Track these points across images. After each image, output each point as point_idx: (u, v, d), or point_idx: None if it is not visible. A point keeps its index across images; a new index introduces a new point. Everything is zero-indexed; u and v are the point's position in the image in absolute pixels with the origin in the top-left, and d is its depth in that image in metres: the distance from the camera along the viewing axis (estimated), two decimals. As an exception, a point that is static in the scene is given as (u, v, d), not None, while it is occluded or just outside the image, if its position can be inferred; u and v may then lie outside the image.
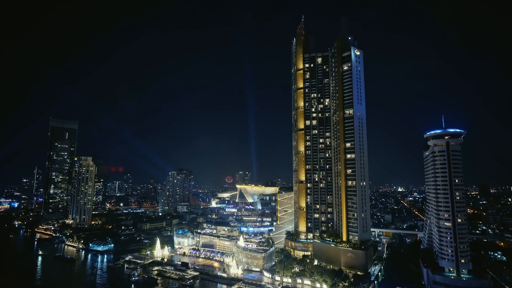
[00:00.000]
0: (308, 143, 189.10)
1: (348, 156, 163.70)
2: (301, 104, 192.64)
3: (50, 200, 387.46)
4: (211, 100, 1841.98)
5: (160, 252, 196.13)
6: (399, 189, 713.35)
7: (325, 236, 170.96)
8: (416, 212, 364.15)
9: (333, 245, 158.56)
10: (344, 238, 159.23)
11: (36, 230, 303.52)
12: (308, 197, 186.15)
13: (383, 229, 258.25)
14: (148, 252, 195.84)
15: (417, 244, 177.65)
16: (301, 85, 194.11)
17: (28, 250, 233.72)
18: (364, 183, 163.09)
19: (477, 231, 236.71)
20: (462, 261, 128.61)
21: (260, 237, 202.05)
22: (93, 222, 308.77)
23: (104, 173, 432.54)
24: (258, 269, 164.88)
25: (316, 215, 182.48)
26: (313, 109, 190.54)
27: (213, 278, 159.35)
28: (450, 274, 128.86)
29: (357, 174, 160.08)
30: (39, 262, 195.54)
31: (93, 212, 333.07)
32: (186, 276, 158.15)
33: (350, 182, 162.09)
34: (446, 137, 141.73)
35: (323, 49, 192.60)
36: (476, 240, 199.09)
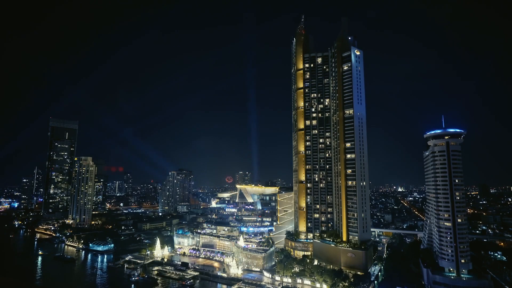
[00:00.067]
0: (308, 143, 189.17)
1: (348, 156, 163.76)
2: (301, 104, 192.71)
3: (50, 200, 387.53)
4: (211, 100, 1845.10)
5: (160, 252, 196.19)
6: (399, 189, 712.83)
7: (325, 236, 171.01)
8: (416, 212, 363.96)
9: (333, 245, 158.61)
10: (344, 238, 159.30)
11: (36, 230, 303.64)
12: (308, 197, 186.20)
13: (383, 229, 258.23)
14: (148, 252, 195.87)
15: (417, 244, 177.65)
16: (301, 85, 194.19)
17: (28, 250, 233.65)
18: (364, 183, 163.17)
19: (477, 231, 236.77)
20: (462, 261, 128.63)
21: (260, 237, 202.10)
22: (93, 222, 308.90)
23: (104, 173, 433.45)
24: (258, 269, 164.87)
25: (316, 215, 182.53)
26: (313, 109, 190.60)
27: (213, 278, 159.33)
28: (450, 274, 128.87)
29: (357, 174, 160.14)
30: (39, 262, 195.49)
31: (93, 212, 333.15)
32: (186, 276, 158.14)
33: (350, 182, 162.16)
34: (446, 137, 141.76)
35: (323, 49, 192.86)
36: (476, 240, 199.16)
